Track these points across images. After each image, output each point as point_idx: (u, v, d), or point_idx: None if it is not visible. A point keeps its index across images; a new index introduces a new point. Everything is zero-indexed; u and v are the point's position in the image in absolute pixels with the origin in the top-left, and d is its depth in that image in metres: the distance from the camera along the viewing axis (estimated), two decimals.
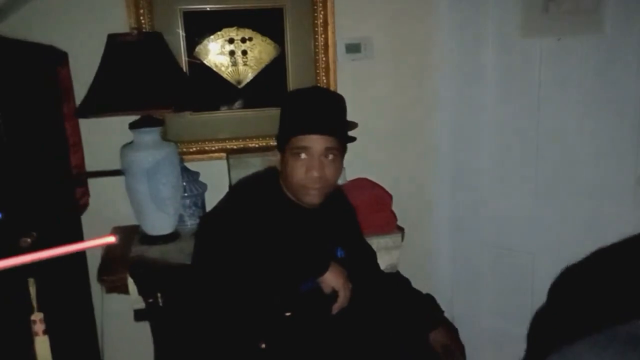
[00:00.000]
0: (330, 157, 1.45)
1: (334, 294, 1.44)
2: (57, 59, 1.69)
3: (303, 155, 1.43)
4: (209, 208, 2.17)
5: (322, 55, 2.19)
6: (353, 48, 2.23)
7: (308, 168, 1.43)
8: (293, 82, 2.22)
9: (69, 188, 1.71)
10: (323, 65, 2.21)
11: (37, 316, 1.33)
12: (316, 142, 1.41)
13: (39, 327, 1.34)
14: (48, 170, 1.58)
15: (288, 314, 1.45)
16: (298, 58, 2.22)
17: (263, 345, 1.47)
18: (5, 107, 1.28)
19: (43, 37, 1.68)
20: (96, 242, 0.47)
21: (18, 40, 1.59)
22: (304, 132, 1.41)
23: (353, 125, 1.51)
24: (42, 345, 1.35)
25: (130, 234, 2.08)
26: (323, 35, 2.18)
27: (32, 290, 1.33)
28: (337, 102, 1.50)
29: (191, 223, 2.16)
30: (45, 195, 1.55)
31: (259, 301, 1.42)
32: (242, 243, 1.37)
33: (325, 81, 2.21)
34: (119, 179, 1.98)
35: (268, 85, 2.23)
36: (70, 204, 1.73)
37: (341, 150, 1.49)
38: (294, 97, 1.54)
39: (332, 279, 1.42)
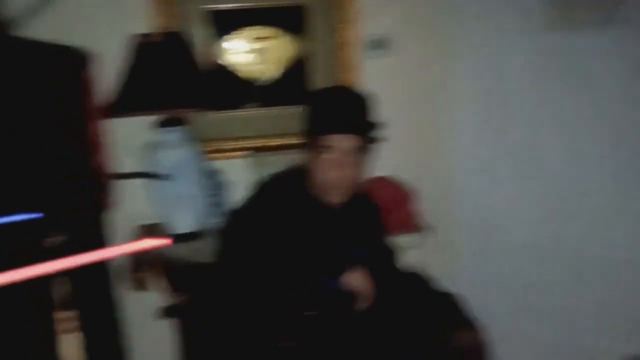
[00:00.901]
0: (356, 156, 1.45)
1: (355, 294, 1.44)
2: (81, 59, 1.70)
3: (328, 154, 1.43)
4: (230, 206, 2.18)
5: (345, 53, 2.19)
6: (376, 45, 2.21)
7: (333, 167, 1.43)
8: (314, 80, 2.22)
9: (92, 187, 1.73)
10: (345, 63, 2.20)
11: (68, 314, 1.35)
12: (341, 142, 1.41)
13: (71, 325, 1.36)
14: (73, 169, 1.60)
15: (308, 312, 1.45)
16: (320, 55, 2.22)
17: (282, 344, 1.47)
18: (32, 107, 1.30)
19: (68, 38, 1.70)
20: (151, 244, 0.48)
21: (43, 42, 1.60)
22: (330, 131, 1.41)
23: (379, 124, 1.51)
24: (74, 341, 1.37)
25: (154, 233, 2.09)
26: (345, 32, 2.17)
27: (65, 288, 1.35)
28: (363, 101, 1.49)
29: (213, 221, 2.17)
30: (70, 195, 1.57)
31: (279, 299, 1.43)
32: (265, 240, 1.38)
33: (347, 79, 2.20)
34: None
35: (289, 83, 2.23)
36: (94, 204, 1.75)
37: (366, 150, 1.48)
38: (319, 96, 1.54)
39: (353, 279, 1.42)
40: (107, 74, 1.84)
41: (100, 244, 1.75)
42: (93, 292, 1.62)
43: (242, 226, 1.37)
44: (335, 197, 1.47)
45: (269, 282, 1.36)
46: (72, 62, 1.69)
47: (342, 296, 1.40)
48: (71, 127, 1.60)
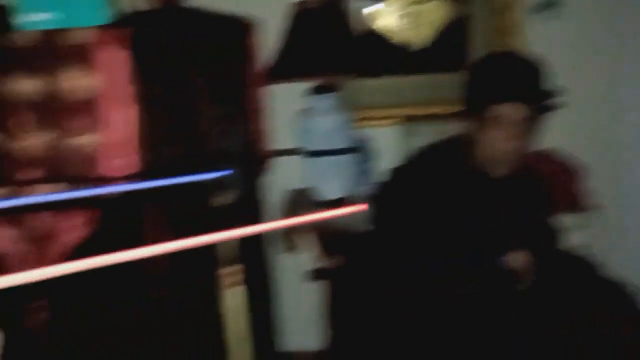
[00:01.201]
0: (525, 127, 1.35)
1: (515, 273, 1.37)
2: (245, 27, 1.77)
3: (498, 125, 1.34)
4: (381, 175, 2.17)
5: (506, 16, 2.04)
6: (544, 7, 2.03)
7: (503, 138, 1.34)
8: (473, 45, 2.10)
9: (253, 153, 1.81)
10: (506, 27, 2.05)
11: (235, 269, 1.44)
12: (514, 111, 1.32)
13: (236, 279, 1.45)
14: (235, 134, 1.68)
15: (467, 289, 1.40)
16: (479, 19, 2.09)
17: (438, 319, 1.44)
18: (203, 73, 1.37)
19: (233, 8, 1.77)
20: (347, 210, 0.46)
21: (210, 11, 1.69)
22: (499, 100, 1.32)
23: (554, 93, 1.38)
24: (238, 294, 1.46)
25: (303, 198, 2.16)
26: None
27: (233, 244, 1.43)
28: (535, 68, 1.38)
29: (363, 189, 2.18)
30: (234, 159, 1.65)
31: (435, 272, 1.39)
32: (422, 211, 1.34)
33: (508, 44, 2.06)
34: (295, 143, 2.05)
35: (444, 49, 2.13)
36: (255, 168, 1.83)
37: (536, 121, 1.37)
38: (485, 62, 1.45)
39: (514, 259, 1.35)
40: (270, 41, 1.90)
41: (259, 206, 1.84)
42: (255, 250, 1.70)
43: (399, 194, 1.34)
44: (499, 170, 1.38)
45: (425, 252, 1.33)
46: (237, 30, 1.76)
47: (501, 275, 1.33)
48: (236, 94, 1.68)
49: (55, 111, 0.92)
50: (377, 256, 1.45)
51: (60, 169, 0.94)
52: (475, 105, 1.38)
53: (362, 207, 0.44)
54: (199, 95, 1.34)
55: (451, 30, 2.12)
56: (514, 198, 1.46)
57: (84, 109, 0.92)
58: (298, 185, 2.19)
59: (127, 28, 0.93)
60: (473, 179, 1.42)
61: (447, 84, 2.15)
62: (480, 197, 1.38)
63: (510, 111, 1.32)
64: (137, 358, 1.21)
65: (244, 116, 1.74)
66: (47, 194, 0.92)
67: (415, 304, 1.40)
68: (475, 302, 1.35)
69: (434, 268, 1.33)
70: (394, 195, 1.37)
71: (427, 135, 2.09)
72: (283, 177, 2.17)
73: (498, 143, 1.35)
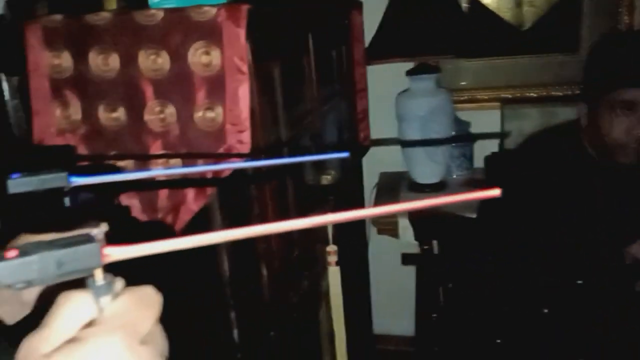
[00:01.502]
0: None
1: (637, 267, 1.27)
2: (351, 6, 1.75)
3: (626, 111, 1.24)
4: (477, 160, 2.10)
5: None
6: None
7: (632, 125, 1.24)
8: (587, 24, 1.96)
9: (355, 132, 1.80)
10: (627, 4, 1.89)
11: (331, 248, 1.44)
12: None
13: (332, 258, 1.45)
14: (339, 114, 1.67)
15: (579, 282, 1.33)
16: None
17: (545, 311, 1.38)
18: (312, 52, 1.35)
19: None
20: (479, 195, 0.43)
21: None
22: (631, 84, 1.22)
23: None
24: (334, 274, 1.47)
25: (399, 180, 2.13)
26: None
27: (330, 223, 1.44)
28: None
29: (458, 174, 2.12)
30: (338, 137, 1.65)
31: (548, 264, 1.33)
32: (538, 199, 1.27)
33: (628, 22, 1.90)
34: (392, 124, 2.02)
35: (556, 28, 2.00)
36: (357, 147, 1.82)
37: None
38: (614, 43, 1.34)
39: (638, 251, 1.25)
40: (376, 20, 1.87)
41: (358, 185, 1.84)
42: (350, 231, 1.70)
43: (513, 181, 1.28)
44: (628, 158, 1.29)
45: (539, 241, 1.26)
46: (343, 8, 1.74)
47: (624, 268, 1.25)
48: (342, 71, 1.67)
49: (179, 86, 0.95)
50: (483, 244, 1.40)
51: (183, 143, 0.97)
52: (600, 88, 1.29)
53: (494, 193, 0.40)
54: (309, 74, 1.34)
55: (564, 8, 1.98)
56: (636, 187, 1.36)
57: (206, 84, 0.95)
58: (395, 167, 2.16)
59: (244, 4, 0.94)
60: (591, 167, 1.33)
61: (559, 65, 2.02)
62: (603, 185, 1.29)
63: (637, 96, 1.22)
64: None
65: (350, 96, 1.73)
66: (169, 167, 0.96)
67: (522, 297, 1.35)
68: (588, 295, 1.28)
69: (547, 259, 1.27)
70: (506, 182, 1.31)
71: (531, 119, 1.98)
72: (381, 159, 2.16)
73: (627, 130, 1.25)
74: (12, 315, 0.56)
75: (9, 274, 0.30)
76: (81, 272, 0.32)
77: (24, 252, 0.31)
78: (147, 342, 0.33)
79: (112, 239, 0.33)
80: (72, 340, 0.31)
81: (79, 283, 0.33)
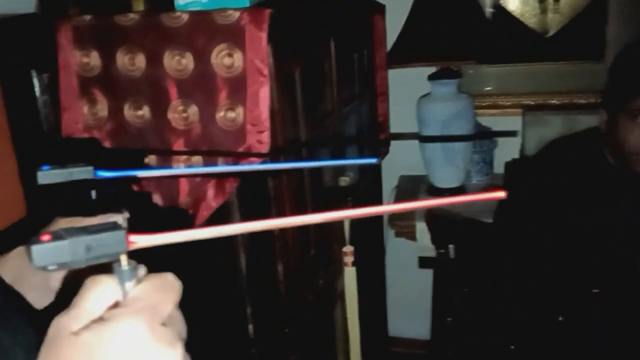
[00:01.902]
0: None
1: None
2: (373, 10, 1.76)
3: None
4: (497, 165, 2.09)
5: None
6: None
7: None
8: (613, 31, 1.94)
9: (375, 135, 1.81)
10: None
11: (348, 249, 1.46)
12: None
13: (349, 259, 1.47)
14: (359, 117, 1.68)
15: (595, 290, 1.32)
16: (621, 3, 1.92)
17: (560, 319, 1.38)
18: (335, 54, 1.37)
19: None
20: (485, 196, 0.44)
21: None
22: None
23: None
24: (350, 275, 1.48)
25: (418, 184, 2.13)
26: None
27: (346, 224, 1.45)
28: None
29: (477, 179, 2.11)
30: (358, 140, 1.66)
31: (564, 273, 1.32)
32: (556, 207, 1.27)
33: None
34: (413, 128, 2.02)
35: (580, 35, 1.99)
36: (376, 150, 1.84)
37: None
38: (635, 51, 1.33)
39: None
40: (398, 24, 1.88)
41: (377, 187, 1.85)
42: (362, 231, 1.71)
43: (531, 187, 1.28)
44: (638, 167, 1.28)
45: (555, 249, 1.26)
46: (367, 11, 1.76)
47: (636, 277, 1.24)
48: (364, 75, 1.68)
49: (202, 86, 0.98)
50: (501, 250, 1.40)
51: (204, 141, 1.00)
52: (620, 96, 1.28)
53: (499, 194, 0.42)
54: (329, 76, 1.36)
55: (589, 15, 1.97)
56: None
57: (228, 85, 0.97)
58: (414, 171, 2.17)
59: (267, 8, 0.96)
60: (612, 175, 1.32)
61: (582, 73, 2.01)
62: (620, 195, 1.28)
63: None
64: None
65: (371, 99, 1.75)
66: (190, 165, 0.99)
67: (537, 304, 1.34)
68: (604, 305, 1.27)
69: (563, 267, 1.27)
70: (525, 188, 1.31)
71: (553, 127, 1.97)
72: (400, 162, 2.16)
73: (638, 138, 1.24)
74: (41, 301, 0.60)
75: (43, 256, 0.33)
76: (108, 256, 0.34)
77: (57, 236, 0.33)
78: (168, 324, 0.35)
79: (134, 226, 0.36)
80: (98, 320, 0.34)
81: (106, 268, 0.35)
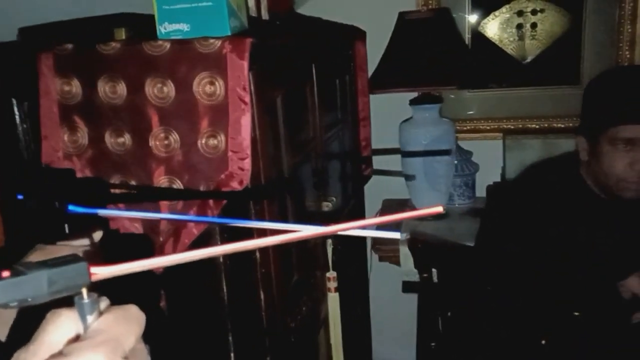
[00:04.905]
0: None
1: (634, 301, 1.27)
2: (354, 36, 1.79)
3: (626, 147, 1.26)
4: (479, 189, 2.12)
5: (628, 27, 1.91)
6: None
7: (633, 162, 1.25)
8: (588, 58, 1.99)
9: (357, 160, 1.82)
10: (628, 39, 1.92)
11: (331, 274, 1.46)
12: None
13: (332, 285, 1.46)
14: (341, 143, 1.69)
15: (577, 313, 1.33)
16: (596, 30, 1.98)
17: (543, 342, 1.38)
18: (316, 81, 1.38)
19: (344, 18, 1.80)
20: (423, 212, 0.46)
21: (321, 20, 1.72)
22: (631, 121, 1.24)
23: None
24: (334, 301, 1.47)
25: (401, 207, 2.14)
26: (632, 3, 1.89)
27: (329, 249, 1.45)
28: None
29: (459, 203, 2.13)
30: (340, 167, 1.67)
31: (546, 295, 1.33)
32: (534, 229, 1.29)
33: (629, 57, 1.93)
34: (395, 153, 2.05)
35: (557, 61, 2.04)
36: (359, 176, 1.84)
37: None
38: (613, 78, 1.36)
39: (635, 285, 1.26)
40: (379, 51, 1.91)
41: (360, 212, 1.85)
42: (351, 257, 1.72)
43: (510, 211, 1.30)
44: (629, 194, 1.30)
45: (533, 274, 1.27)
46: (347, 38, 1.78)
47: (619, 301, 1.25)
48: (345, 101, 1.70)
49: (183, 114, 0.99)
50: (483, 273, 1.41)
51: (186, 168, 1.00)
52: (597, 123, 1.31)
53: (437, 209, 0.44)
54: (311, 102, 1.37)
55: (566, 42, 2.02)
56: (633, 222, 1.37)
57: (209, 113, 0.98)
58: (398, 195, 2.18)
59: (248, 37, 0.97)
60: (590, 200, 1.34)
61: (559, 98, 2.05)
62: (597, 220, 1.30)
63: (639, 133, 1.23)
64: None
65: (353, 124, 1.76)
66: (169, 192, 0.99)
67: (520, 327, 1.35)
68: (585, 328, 1.28)
69: (545, 290, 1.27)
70: (504, 212, 1.32)
71: (532, 150, 2.01)
72: (383, 186, 2.18)
73: (625, 166, 1.26)
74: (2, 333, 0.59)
75: (3, 293, 0.32)
76: (71, 289, 0.34)
77: (17, 272, 0.32)
78: (130, 358, 0.35)
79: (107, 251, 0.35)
80: (57, 355, 0.33)
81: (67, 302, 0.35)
